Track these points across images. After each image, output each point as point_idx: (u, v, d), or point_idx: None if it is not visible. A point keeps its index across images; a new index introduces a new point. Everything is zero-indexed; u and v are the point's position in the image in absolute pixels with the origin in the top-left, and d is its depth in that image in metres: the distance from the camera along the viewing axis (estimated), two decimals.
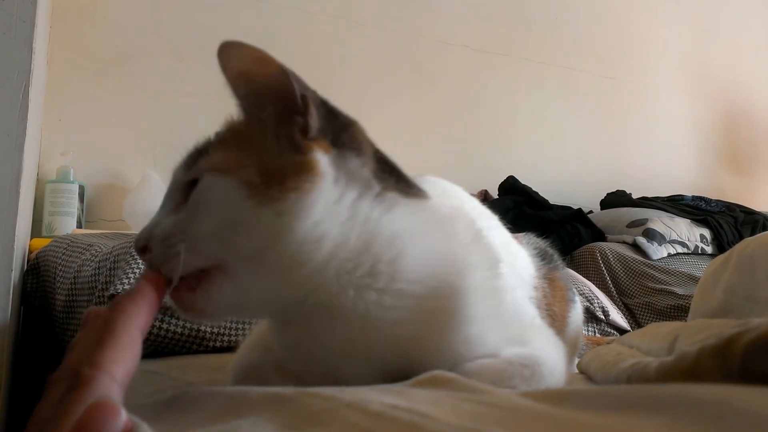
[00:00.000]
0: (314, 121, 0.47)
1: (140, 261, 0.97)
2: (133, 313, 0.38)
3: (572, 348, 0.77)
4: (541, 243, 0.80)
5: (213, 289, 0.45)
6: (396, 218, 0.49)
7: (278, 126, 0.48)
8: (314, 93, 0.48)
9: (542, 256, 0.75)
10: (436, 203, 0.53)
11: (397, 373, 0.47)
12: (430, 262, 0.49)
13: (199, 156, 0.49)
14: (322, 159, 0.47)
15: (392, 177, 0.51)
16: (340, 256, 0.46)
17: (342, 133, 0.49)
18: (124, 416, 0.30)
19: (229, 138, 0.49)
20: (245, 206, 0.44)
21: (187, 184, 0.47)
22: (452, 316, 0.48)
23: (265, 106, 0.48)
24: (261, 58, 0.46)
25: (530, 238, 0.79)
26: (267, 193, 0.44)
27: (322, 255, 0.46)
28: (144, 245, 0.46)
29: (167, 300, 0.46)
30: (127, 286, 0.92)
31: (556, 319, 0.68)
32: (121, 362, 0.34)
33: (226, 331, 0.96)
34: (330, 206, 0.46)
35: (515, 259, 0.68)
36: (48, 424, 0.30)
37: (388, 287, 0.47)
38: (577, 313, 0.81)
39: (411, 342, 0.47)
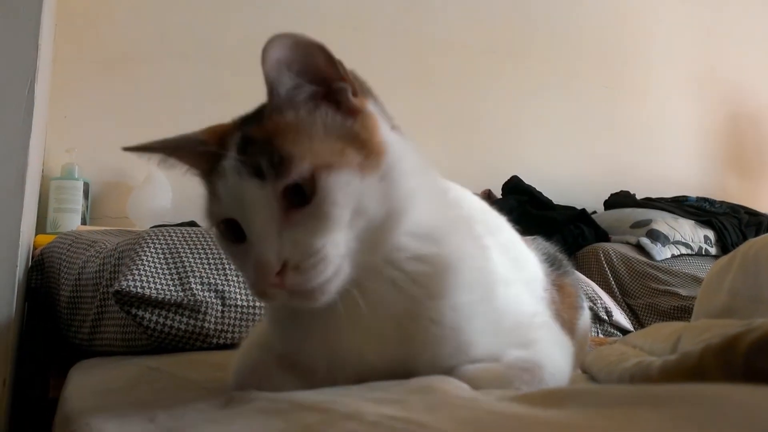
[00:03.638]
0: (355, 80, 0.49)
1: (144, 258, 0.97)
2: None
3: (578, 354, 0.76)
4: (550, 248, 0.78)
5: (342, 276, 0.46)
6: (409, 153, 0.51)
7: (320, 101, 0.48)
8: None
9: (551, 262, 0.74)
10: None
11: (393, 370, 0.47)
12: (427, 210, 0.51)
13: (265, 163, 0.45)
14: (374, 108, 0.49)
15: None
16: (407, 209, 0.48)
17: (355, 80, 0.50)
18: None
19: (289, 134, 0.46)
20: (363, 186, 0.45)
21: (282, 193, 0.44)
22: (442, 275, 0.49)
23: (303, 87, 0.48)
24: (296, 41, 0.46)
25: (539, 242, 0.77)
26: (369, 164, 0.46)
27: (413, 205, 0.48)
28: (280, 267, 0.44)
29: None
30: (131, 282, 0.92)
31: (564, 326, 0.67)
32: None
33: (229, 328, 0.96)
34: (397, 148, 0.48)
35: (525, 260, 0.67)
36: None
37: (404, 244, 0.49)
38: (585, 320, 0.81)
39: (405, 310, 0.48)
